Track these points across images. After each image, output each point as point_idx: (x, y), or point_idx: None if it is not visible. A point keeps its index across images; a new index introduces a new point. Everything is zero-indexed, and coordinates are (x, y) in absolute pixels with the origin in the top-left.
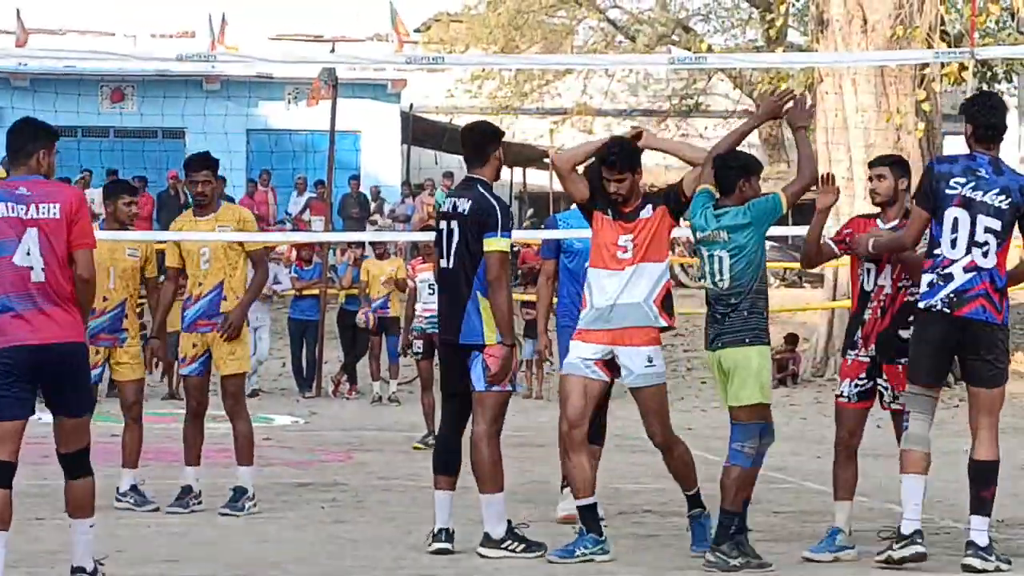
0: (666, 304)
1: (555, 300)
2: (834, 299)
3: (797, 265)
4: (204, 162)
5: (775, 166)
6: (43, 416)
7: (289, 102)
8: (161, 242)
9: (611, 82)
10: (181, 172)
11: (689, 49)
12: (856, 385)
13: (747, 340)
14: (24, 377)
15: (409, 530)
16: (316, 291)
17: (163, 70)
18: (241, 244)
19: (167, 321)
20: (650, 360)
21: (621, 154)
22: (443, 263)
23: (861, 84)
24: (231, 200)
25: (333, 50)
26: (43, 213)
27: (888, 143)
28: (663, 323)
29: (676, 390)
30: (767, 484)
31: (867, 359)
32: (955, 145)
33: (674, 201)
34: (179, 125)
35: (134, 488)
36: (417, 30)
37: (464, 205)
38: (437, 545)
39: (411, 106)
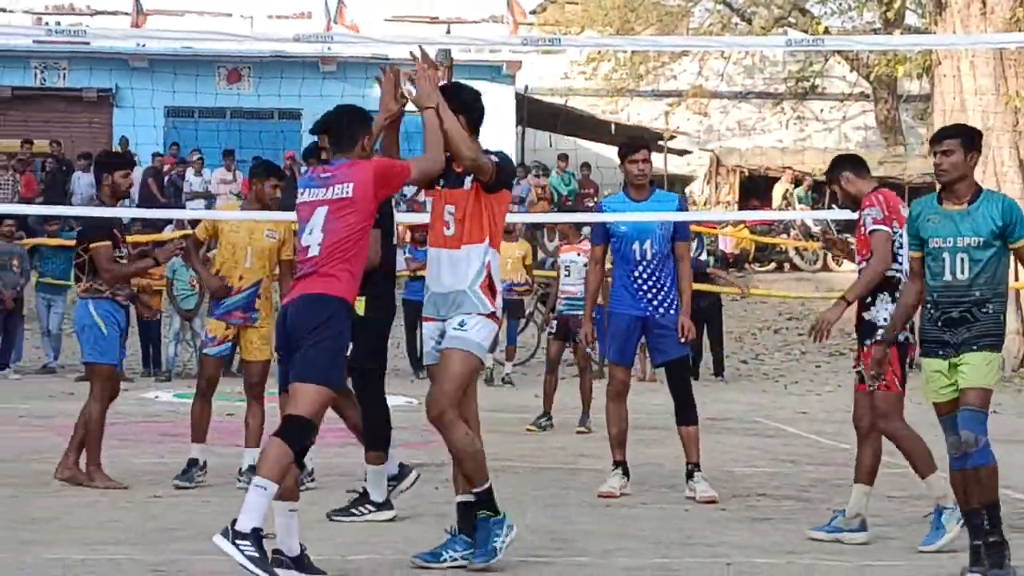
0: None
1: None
2: None
3: None
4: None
5: (891, 148)
6: (159, 395)
7: (405, 83)
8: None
9: (727, 64)
10: (299, 154)
11: (806, 31)
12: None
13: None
14: (279, 341)
15: (522, 511)
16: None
17: (280, 51)
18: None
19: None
20: (462, 324)
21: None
22: None
23: (979, 67)
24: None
25: (449, 31)
26: (336, 193)
27: (1007, 126)
28: (491, 308)
29: (791, 373)
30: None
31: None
32: None
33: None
34: (295, 106)
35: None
36: (533, 12)
37: None
38: None
39: (526, 88)
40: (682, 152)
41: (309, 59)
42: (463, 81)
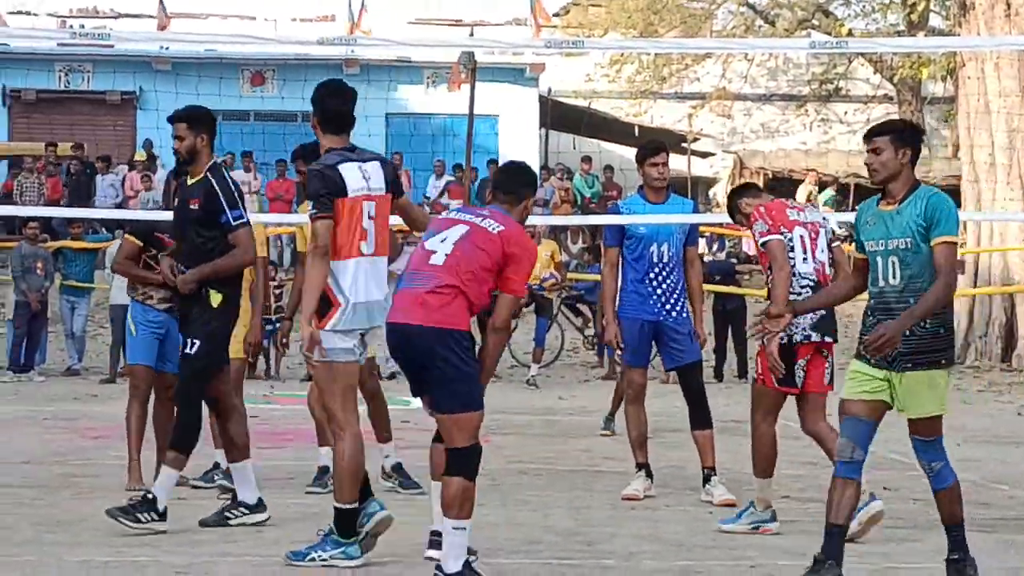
0: None
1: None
2: (975, 286)
3: None
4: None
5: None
6: None
7: (428, 86)
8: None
9: (750, 66)
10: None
11: (829, 33)
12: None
13: None
14: (396, 356)
15: (546, 513)
16: None
17: (303, 54)
18: None
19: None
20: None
21: None
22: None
23: (1004, 68)
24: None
25: (472, 34)
26: (485, 224)
27: None
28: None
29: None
30: (905, 471)
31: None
32: None
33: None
34: None
35: (398, 468)
36: (556, 14)
37: None
38: None
39: (549, 90)
40: (705, 154)
41: (333, 62)
42: (487, 83)
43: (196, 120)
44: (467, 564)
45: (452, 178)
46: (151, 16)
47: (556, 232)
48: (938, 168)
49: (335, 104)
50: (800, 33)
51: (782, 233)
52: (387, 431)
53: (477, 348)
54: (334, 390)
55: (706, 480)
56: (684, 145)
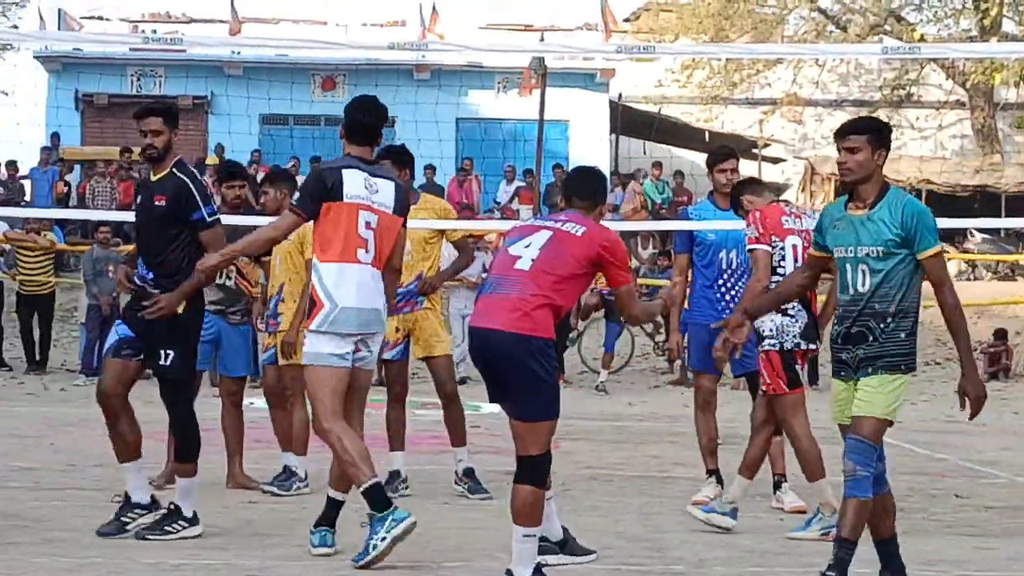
0: None
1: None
2: None
3: (1011, 257)
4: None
5: (988, 157)
6: (254, 401)
7: (499, 91)
8: None
9: (821, 72)
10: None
11: (901, 39)
12: None
13: None
14: (476, 361)
15: (616, 519)
16: None
17: (374, 59)
18: (441, 235)
19: None
20: None
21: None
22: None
23: None
24: (441, 189)
25: (543, 39)
26: (566, 228)
27: None
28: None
29: None
30: (977, 479)
31: None
32: None
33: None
34: (390, 114)
35: (469, 473)
36: (626, 19)
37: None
38: None
39: (620, 95)
40: (776, 160)
41: (403, 67)
42: (557, 88)
43: (170, 114)
44: (538, 569)
45: (522, 183)
46: (223, 21)
47: (626, 238)
48: (1011, 175)
49: (363, 117)
50: (872, 38)
51: (772, 243)
52: (462, 435)
53: None
54: (318, 394)
55: (776, 486)
56: (755, 151)
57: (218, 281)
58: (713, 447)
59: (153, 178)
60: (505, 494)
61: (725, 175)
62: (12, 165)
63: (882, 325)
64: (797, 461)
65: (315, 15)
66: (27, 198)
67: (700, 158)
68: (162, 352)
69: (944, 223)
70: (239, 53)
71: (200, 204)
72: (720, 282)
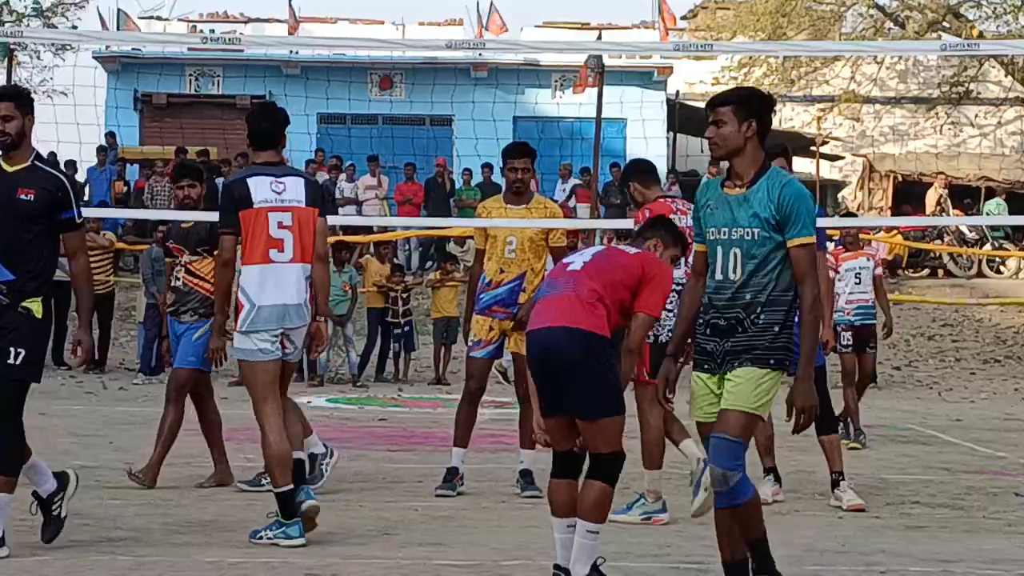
0: None
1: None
2: None
3: None
4: (526, 150)
5: None
6: (312, 399)
7: (556, 89)
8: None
9: (880, 69)
10: (450, 160)
11: (960, 35)
12: None
13: None
14: (533, 368)
15: (675, 516)
16: None
17: (432, 57)
18: (546, 238)
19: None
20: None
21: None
22: None
23: None
24: (498, 187)
25: (600, 37)
26: None
27: None
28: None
29: (944, 380)
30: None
31: None
32: None
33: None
34: (447, 112)
35: (526, 474)
36: (684, 17)
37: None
38: None
39: (677, 93)
40: (835, 157)
41: (461, 65)
42: (614, 87)
43: (23, 99)
44: (595, 567)
45: (578, 181)
46: (281, 20)
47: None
48: None
49: (259, 125)
50: (930, 35)
51: None
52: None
53: None
54: (254, 387)
55: (835, 485)
56: (813, 148)
57: (172, 284)
58: (770, 444)
59: (8, 168)
60: (488, 496)
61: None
62: (71, 165)
63: (753, 316)
64: (641, 446)
65: (372, 14)
66: (85, 198)
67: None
68: (12, 350)
69: (1004, 220)
70: (297, 53)
71: (73, 203)
72: None
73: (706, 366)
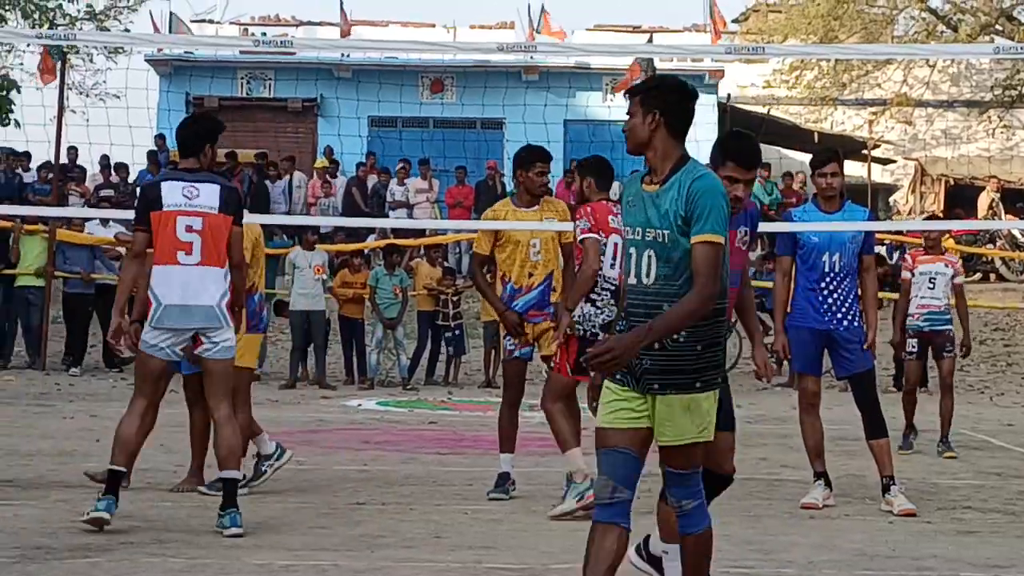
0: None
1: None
2: None
3: None
4: (549, 154)
5: None
6: (362, 403)
7: (607, 92)
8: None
9: (932, 72)
10: (501, 163)
11: (1013, 39)
12: None
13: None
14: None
15: (724, 521)
16: None
17: (483, 61)
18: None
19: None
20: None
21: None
22: None
23: None
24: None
25: (651, 40)
26: None
27: None
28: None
29: (996, 385)
30: None
31: None
32: None
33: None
34: (498, 116)
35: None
36: (735, 20)
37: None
38: None
39: (728, 96)
40: (886, 161)
41: (512, 68)
42: None
43: None
44: None
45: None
46: (332, 23)
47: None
48: None
49: (181, 134)
50: (983, 38)
51: (599, 235)
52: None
53: None
54: (139, 376)
55: (885, 489)
56: (864, 152)
57: None
58: (820, 449)
59: None
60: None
61: (824, 179)
62: (123, 168)
63: (672, 335)
64: (552, 432)
65: (423, 17)
66: None
67: (809, 159)
68: None
69: None
70: (348, 56)
71: None
72: (823, 285)
73: (618, 377)
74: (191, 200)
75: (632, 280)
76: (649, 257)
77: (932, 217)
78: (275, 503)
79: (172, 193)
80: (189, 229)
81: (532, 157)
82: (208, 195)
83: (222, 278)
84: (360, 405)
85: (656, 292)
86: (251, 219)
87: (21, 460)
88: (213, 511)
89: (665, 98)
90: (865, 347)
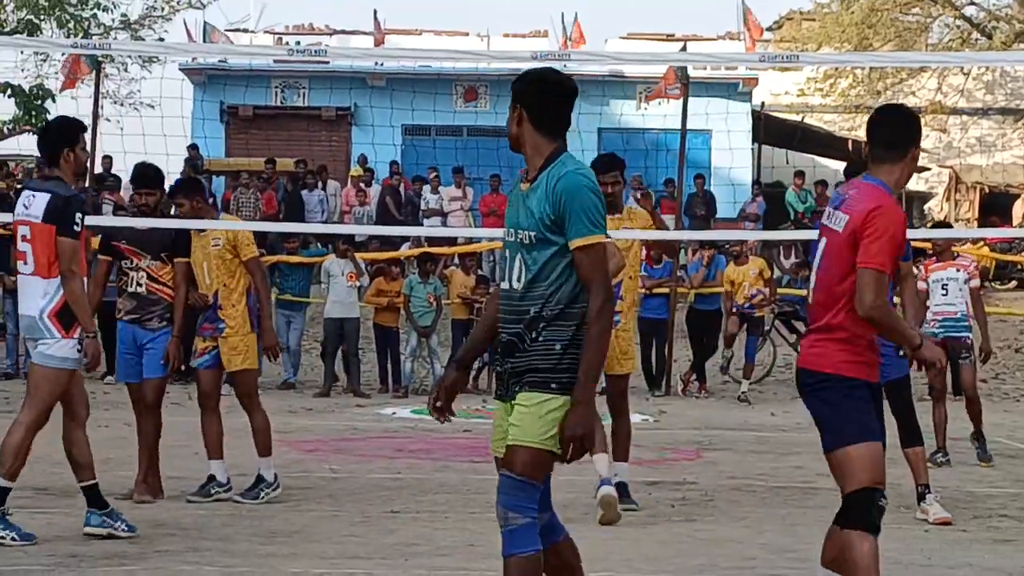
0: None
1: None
2: None
3: None
4: (614, 163)
5: None
6: (396, 411)
7: (640, 101)
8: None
9: (966, 80)
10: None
11: None
12: None
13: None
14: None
15: (760, 530)
16: (666, 290)
17: (516, 69)
18: (633, 244)
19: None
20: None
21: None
22: None
23: None
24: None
25: (684, 48)
26: (835, 223)
27: None
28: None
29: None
30: None
31: None
32: None
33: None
34: None
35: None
36: (769, 28)
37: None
38: None
39: (762, 104)
40: (921, 169)
41: None
42: (699, 98)
43: None
44: None
45: (663, 193)
46: (366, 32)
47: (768, 247)
48: None
49: (39, 142)
50: (1018, 46)
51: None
52: (625, 451)
53: None
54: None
55: (920, 498)
56: None
57: (129, 290)
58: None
59: None
60: (645, 505)
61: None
62: None
63: (533, 333)
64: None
65: (457, 26)
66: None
67: (843, 167)
68: None
69: None
70: (382, 64)
71: None
72: None
73: (499, 391)
74: (27, 209)
75: (504, 285)
76: (520, 260)
77: (940, 225)
78: (309, 511)
79: (19, 202)
80: (24, 239)
81: (601, 167)
82: (38, 204)
83: (49, 288)
84: (394, 413)
85: (521, 297)
86: (279, 227)
87: (54, 468)
88: (248, 519)
89: (525, 91)
90: (900, 354)
